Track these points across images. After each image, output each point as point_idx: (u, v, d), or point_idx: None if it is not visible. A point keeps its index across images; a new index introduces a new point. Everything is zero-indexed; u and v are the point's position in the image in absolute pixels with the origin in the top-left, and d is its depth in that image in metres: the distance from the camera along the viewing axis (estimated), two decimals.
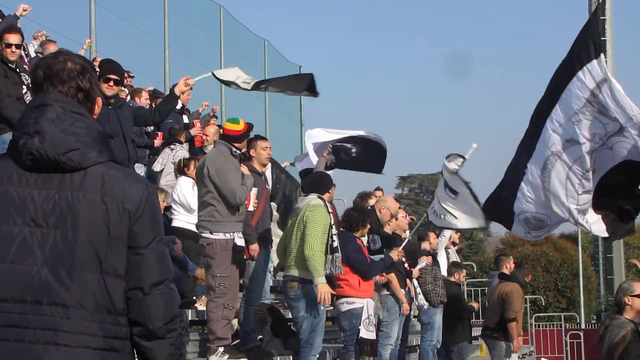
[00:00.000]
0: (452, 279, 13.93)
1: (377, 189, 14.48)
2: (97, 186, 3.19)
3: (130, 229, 3.21)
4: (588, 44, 9.42)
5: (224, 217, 8.88)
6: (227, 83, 10.64)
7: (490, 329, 13.43)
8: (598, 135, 9.37)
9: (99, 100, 3.44)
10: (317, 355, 9.13)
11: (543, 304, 34.74)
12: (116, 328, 3.19)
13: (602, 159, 9.51)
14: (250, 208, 9.22)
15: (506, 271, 13.85)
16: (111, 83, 8.59)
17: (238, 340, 9.54)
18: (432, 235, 12.89)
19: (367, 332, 9.83)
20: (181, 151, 12.45)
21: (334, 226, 9.04)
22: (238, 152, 9.09)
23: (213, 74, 10.61)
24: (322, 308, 8.96)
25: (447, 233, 14.22)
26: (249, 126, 9.24)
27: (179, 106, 13.27)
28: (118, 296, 3.19)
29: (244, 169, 9.13)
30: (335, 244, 9.00)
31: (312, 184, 9.46)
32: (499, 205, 10.64)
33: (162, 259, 3.30)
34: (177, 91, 9.47)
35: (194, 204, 10.20)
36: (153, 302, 3.23)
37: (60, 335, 3.10)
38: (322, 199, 9.09)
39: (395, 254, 10.39)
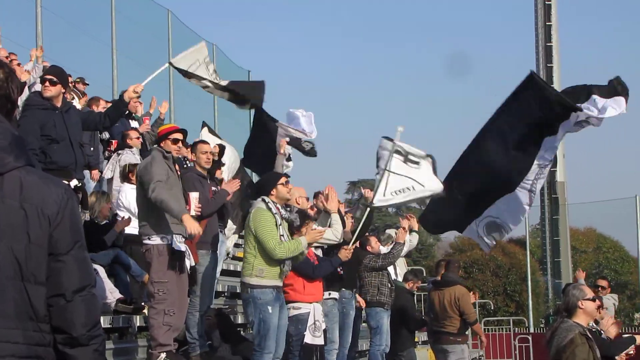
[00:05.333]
0: (407, 286, 13.98)
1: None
2: (15, 192, 3.13)
3: (50, 235, 3.16)
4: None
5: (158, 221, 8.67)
6: (187, 74, 10.70)
7: (452, 334, 13.48)
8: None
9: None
10: (272, 357, 9.02)
11: (492, 308, 35.03)
12: (39, 335, 3.15)
13: None
14: (192, 213, 8.82)
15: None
16: (47, 84, 8.65)
17: (185, 347, 9.46)
18: (373, 240, 12.90)
19: (313, 338, 9.78)
20: (127, 155, 12.22)
21: (280, 226, 8.98)
22: (170, 154, 8.88)
23: (170, 64, 10.70)
24: (270, 311, 8.92)
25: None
26: (176, 129, 9.05)
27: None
28: (39, 303, 3.15)
29: None
30: (285, 239, 8.98)
31: (256, 189, 9.55)
32: (449, 210, 10.80)
33: (84, 265, 3.26)
34: (126, 98, 9.41)
35: None
36: (75, 309, 3.20)
37: None
38: (265, 200, 9.07)
39: (344, 254, 10.16)
